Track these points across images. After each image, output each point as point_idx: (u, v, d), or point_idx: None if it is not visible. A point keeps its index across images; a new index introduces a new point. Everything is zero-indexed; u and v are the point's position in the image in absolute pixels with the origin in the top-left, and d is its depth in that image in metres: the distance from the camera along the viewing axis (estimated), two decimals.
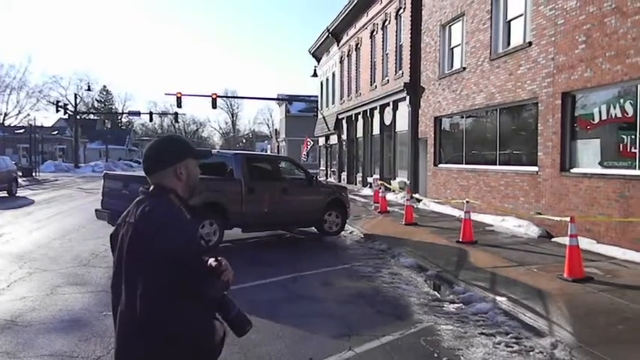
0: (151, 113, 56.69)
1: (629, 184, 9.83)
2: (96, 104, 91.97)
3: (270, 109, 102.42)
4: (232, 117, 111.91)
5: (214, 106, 38.94)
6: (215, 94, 38.84)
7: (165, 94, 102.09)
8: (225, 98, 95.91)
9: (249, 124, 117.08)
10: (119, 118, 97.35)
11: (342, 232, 13.24)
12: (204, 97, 41.46)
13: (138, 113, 61.22)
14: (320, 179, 16.72)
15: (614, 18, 10.23)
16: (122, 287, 2.08)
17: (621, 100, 10.36)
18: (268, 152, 79.01)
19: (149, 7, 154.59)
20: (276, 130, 79.98)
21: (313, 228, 13.00)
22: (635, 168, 9.95)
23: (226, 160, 11.75)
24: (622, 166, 10.33)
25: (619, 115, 10.44)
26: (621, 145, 10.38)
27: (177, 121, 64.33)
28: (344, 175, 33.38)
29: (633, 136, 10.01)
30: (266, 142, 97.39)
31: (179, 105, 38.75)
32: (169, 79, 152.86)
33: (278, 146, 70.62)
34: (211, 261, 2.22)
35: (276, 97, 57.84)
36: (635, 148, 9.96)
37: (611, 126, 10.68)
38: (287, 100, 53.81)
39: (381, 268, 9.21)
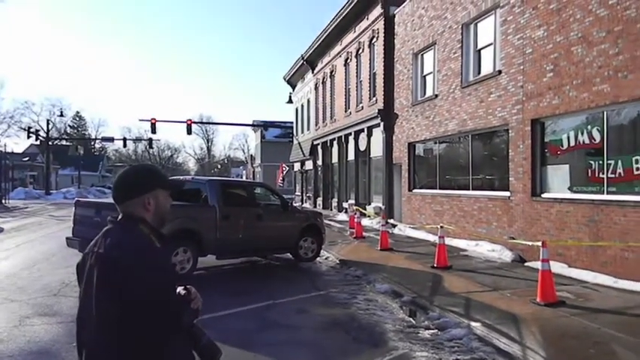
0: (124, 139, 56.20)
1: (598, 208, 10.04)
2: (68, 130, 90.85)
3: (246, 134, 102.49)
4: (207, 142, 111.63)
5: (189, 132, 38.79)
6: (190, 120, 38.71)
7: (140, 119, 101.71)
8: (200, 124, 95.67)
9: (224, 149, 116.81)
10: (92, 143, 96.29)
11: (318, 258, 13.19)
12: (179, 123, 41.24)
13: (111, 139, 60.63)
14: (295, 205, 16.70)
15: (580, 47, 10.56)
16: (90, 319, 2.03)
17: (589, 127, 10.63)
18: (244, 178, 78.78)
19: (123, 32, 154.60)
20: (251, 155, 79.85)
21: (288, 254, 12.92)
22: (603, 193, 10.18)
23: (201, 187, 11.69)
24: (591, 191, 10.55)
25: (587, 141, 10.70)
26: (590, 171, 10.62)
27: (151, 146, 63.73)
28: (319, 200, 33.40)
29: (601, 162, 10.26)
30: (241, 167, 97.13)
31: (153, 131, 38.52)
32: (144, 105, 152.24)
33: (253, 172, 70.43)
34: (180, 289, 2.20)
35: (251, 123, 57.91)
36: (603, 173, 10.20)
37: (580, 152, 10.94)
38: (262, 126, 53.88)
39: (357, 295, 9.18)
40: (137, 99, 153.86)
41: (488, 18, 14.37)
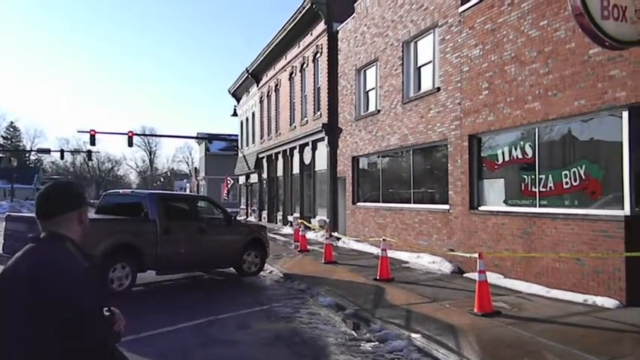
0: (62, 151, 54.36)
1: (531, 221, 10.47)
2: (1, 141, 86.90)
3: (190, 147, 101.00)
4: (150, 155, 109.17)
5: (130, 144, 37.93)
6: (131, 132, 37.88)
7: (78, 131, 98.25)
8: (142, 136, 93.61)
9: (167, 162, 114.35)
10: (27, 155, 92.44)
11: (262, 272, 13.13)
12: (120, 135, 40.22)
13: (48, 151, 58.58)
14: (240, 218, 16.59)
15: (513, 66, 11.05)
16: (6, 343, 1.94)
17: (522, 143, 11.11)
18: (188, 191, 77.47)
19: (63, 40, 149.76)
20: (195, 168, 78.70)
21: (232, 268, 12.80)
22: (535, 206, 10.63)
23: (141, 200, 11.45)
24: (524, 204, 11.01)
25: (520, 156, 11.17)
26: (523, 185, 11.08)
27: (90, 159, 61.79)
28: (264, 213, 33.26)
29: (533, 176, 10.73)
30: (185, 180, 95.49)
31: (92, 143, 37.43)
32: (83, 116, 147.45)
33: (198, 185, 69.42)
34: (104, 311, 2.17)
35: (195, 135, 57.18)
36: (535, 187, 10.66)
37: (514, 166, 11.40)
38: (207, 138, 53.35)
39: (300, 309, 9.19)
40: (77, 110, 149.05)
41: (427, 36, 14.85)
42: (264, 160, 32.72)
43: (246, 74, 34.91)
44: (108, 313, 2.17)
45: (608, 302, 8.48)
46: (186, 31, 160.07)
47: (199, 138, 55.70)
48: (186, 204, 12.73)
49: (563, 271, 9.61)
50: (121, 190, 13.61)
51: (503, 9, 11.32)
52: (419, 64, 15.45)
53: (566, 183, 9.95)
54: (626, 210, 8.64)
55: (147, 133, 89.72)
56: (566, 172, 9.96)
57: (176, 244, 11.08)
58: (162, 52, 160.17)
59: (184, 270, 12.08)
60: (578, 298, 8.96)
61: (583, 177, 9.62)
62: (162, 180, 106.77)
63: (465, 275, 11.92)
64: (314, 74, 23.77)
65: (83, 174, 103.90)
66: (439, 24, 13.88)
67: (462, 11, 12.77)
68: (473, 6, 12.36)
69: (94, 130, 36.47)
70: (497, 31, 11.51)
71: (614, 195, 8.99)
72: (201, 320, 8.30)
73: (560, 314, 8.17)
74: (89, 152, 53.53)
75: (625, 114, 8.68)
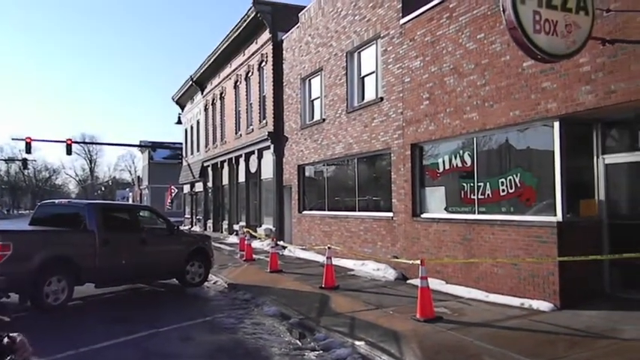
0: None
1: (471, 227, 10.78)
2: None
3: (133, 155, 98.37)
4: (91, 163, 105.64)
5: (69, 152, 36.74)
6: (70, 139, 36.67)
7: (13, 138, 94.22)
8: (82, 144, 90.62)
9: (109, 170, 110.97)
10: None
11: (206, 283, 12.93)
12: (58, 143, 38.84)
13: None
14: (184, 228, 16.31)
15: (452, 78, 11.38)
16: None
17: (461, 152, 11.44)
18: (130, 200, 75.52)
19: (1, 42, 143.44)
20: (138, 177, 76.85)
21: (175, 279, 12.55)
22: (474, 213, 10.96)
23: (79, 211, 11.10)
24: (464, 211, 11.33)
25: (460, 165, 11.50)
26: (463, 192, 11.40)
27: (26, 167, 59.29)
28: (210, 223, 32.81)
29: (472, 184, 11.06)
30: (128, 189, 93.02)
31: (28, 151, 36.00)
32: (19, 123, 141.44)
33: (141, 194, 67.78)
34: (4, 339, 2.03)
35: (138, 143, 55.88)
36: (474, 195, 10.99)
37: (454, 175, 11.72)
38: (150, 146, 52.24)
39: (244, 319, 9.10)
40: (12, 116, 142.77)
41: (370, 47, 15.10)
42: (210, 169, 32.33)
43: (191, 82, 34.47)
44: (8, 341, 2.01)
45: (544, 305, 8.81)
46: (130, 36, 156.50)
47: (142, 146, 54.51)
48: (127, 214, 12.41)
49: (501, 275, 9.93)
50: (57, 200, 13.11)
51: (442, 22, 11.66)
52: (362, 74, 15.68)
53: (503, 190, 10.31)
54: (559, 216, 9.03)
55: (87, 140, 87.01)
56: (503, 179, 10.33)
57: (116, 255, 10.78)
58: (107, 57, 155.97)
59: (125, 282, 11.74)
60: (515, 301, 9.28)
61: (518, 184, 10.00)
62: (103, 189, 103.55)
63: (408, 281, 12.11)
64: (259, 83, 23.72)
65: (18, 183, 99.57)
66: (381, 35, 14.15)
67: (403, 23, 13.07)
68: (413, 18, 12.68)
69: (29, 138, 35.09)
70: (437, 43, 11.84)
71: (548, 202, 9.38)
72: (142, 333, 8.09)
73: (499, 318, 8.42)
74: (24, 160, 51.31)
75: (556, 124, 9.09)
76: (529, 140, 9.98)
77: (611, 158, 9.17)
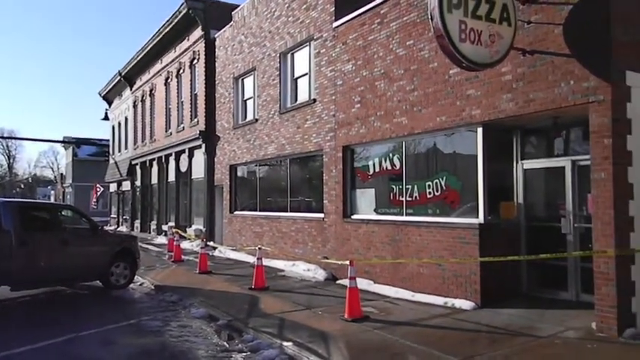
0: None
1: (399, 228, 11.04)
2: None
3: (56, 151, 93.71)
4: (9, 159, 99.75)
5: None
6: None
7: None
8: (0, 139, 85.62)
9: (29, 167, 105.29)
10: None
11: (132, 285, 12.54)
12: None
13: None
14: (110, 228, 15.75)
15: (383, 82, 11.62)
16: None
17: (391, 155, 11.70)
18: (52, 199, 72.17)
19: None
20: (62, 174, 73.44)
21: (98, 281, 12.11)
22: (402, 214, 11.24)
23: None
24: (393, 212, 11.59)
25: (390, 167, 11.76)
26: (392, 194, 11.66)
27: None
28: (137, 223, 31.85)
29: (401, 187, 11.34)
30: (50, 187, 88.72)
31: None
32: None
33: (64, 192, 64.87)
34: None
35: (62, 139, 53.48)
36: (403, 197, 11.27)
37: (384, 177, 11.97)
38: (74, 143, 50.14)
39: (171, 322, 8.89)
40: None
41: (303, 49, 15.18)
42: (138, 167, 31.41)
43: (119, 77, 33.37)
44: None
45: (466, 304, 9.16)
46: (56, 24, 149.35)
47: (66, 142, 52.23)
48: (47, 213, 11.87)
49: (426, 275, 10.23)
50: None
51: (373, 27, 11.89)
52: (296, 76, 15.73)
53: (430, 193, 10.64)
54: (481, 218, 9.41)
55: (5, 135, 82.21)
56: (430, 182, 10.65)
57: (34, 256, 10.28)
58: (30, 46, 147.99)
59: (44, 285, 11.23)
60: (439, 301, 9.59)
61: (444, 188, 10.34)
62: (22, 187, 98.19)
63: (338, 282, 12.25)
64: (191, 80, 23.30)
65: None
66: (314, 37, 14.25)
67: (336, 27, 13.22)
68: (346, 22, 12.85)
69: None
70: (369, 47, 12.05)
71: (471, 204, 9.76)
72: (62, 338, 7.76)
73: (423, 317, 8.66)
74: None
75: (480, 130, 9.48)
76: (455, 145, 10.35)
77: (529, 163, 9.66)
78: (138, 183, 31.80)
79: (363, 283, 10.78)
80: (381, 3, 11.64)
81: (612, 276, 7.17)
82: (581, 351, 6.70)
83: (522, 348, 6.85)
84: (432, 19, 7.50)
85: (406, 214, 11.16)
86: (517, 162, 9.79)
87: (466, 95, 9.53)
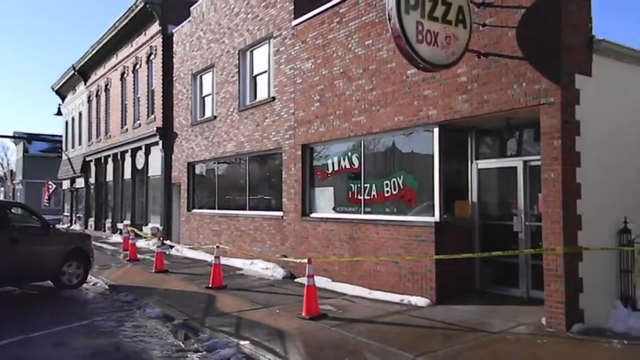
0: None
1: (357, 227, 11.13)
2: None
3: (6, 147, 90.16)
4: None
5: None
6: None
7: None
8: None
9: None
10: None
11: (85, 285, 12.26)
12: None
13: None
14: (63, 226, 15.32)
15: (342, 81, 11.68)
16: None
17: (350, 153, 11.78)
18: (1, 196, 69.67)
19: None
20: (11, 171, 70.85)
21: (50, 281, 11.77)
22: (361, 213, 11.33)
23: None
24: (351, 211, 11.67)
25: (348, 166, 11.83)
26: (350, 193, 11.74)
27: None
28: (91, 221, 31.09)
29: (359, 185, 11.43)
30: None
31: None
32: None
33: (14, 189, 62.68)
34: None
35: (12, 134, 51.61)
36: (361, 195, 11.37)
37: (343, 176, 12.04)
38: (25, 138, 48.36)
39: (125, 322, 8.73)
40: None
41: (263, 46, 15.11)
42: (93, 164, 30.63)
43: (73, 71, 32.45)
44: None
45: (421, 301, 9.31)
46: (4, 17, 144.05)
47: (17, 137, 50.39)
48: None
49: (383, 273, 10.35)
50: None
51: (332, 26, 11.94)
52: (255, 73, 15.64)
53: (387, 192, 10.76)
54: (436, 216, 9.58)
55: None
56: (387, 181, 10.77)
57: None
58: None
59: None
60: (396, 298, 9.71)
61: (401, 186, 10.48)
62: None
63: (296, 280, 12.26)
64: (148, 76, 22.86)
65: None
66: (274, 35, 14.21)
67: (295, 25, 13.21)
68: (305, 21, 12.86)
69: None
70: (328, 46, 12.09)
71: (427, 203, 9.92)
72: (10, 340, 7.53)
73: (380, 314, 8.77)
74: None
75: (436, 130, 9.64)
76: (412, 145, 10.50)
77: (483, 163, 9.89)
78: (92, 180, 31.03)
79: (321, 281, 10.83)
80: (340, 2, 11.69)
81: (561, 273, 7.41)
82: (531, 346, 6.90)
83: (475, 344, 7.01)
84: (389, 20, 7.58)
85: (364, 213, 11.26)
86: (472, 162, 10.01)
87: (423, 96, 9.68)
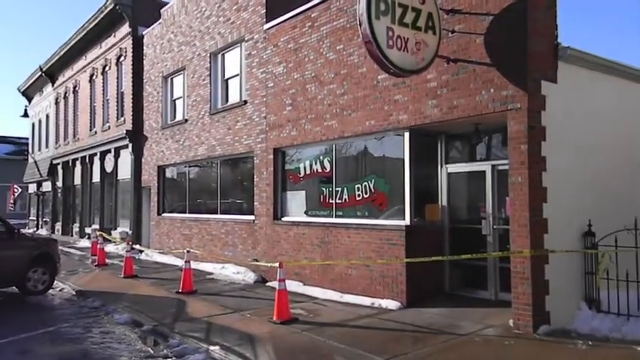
0: None
1: (328, 230, 11.15)
2: None
3: None
4: None
5: None
6: None
7: None
8: None
9: None
10: None
11: (51, 291, 12.01)
12: None
13: None
14: (28, 231, 14.98)
15: (314, 85, 11.71)
16: None
17: (322, 157, 11.80)
18: None
19: None
20: None
21: (15, 287, 11.49)
22: (332, 216, 11.36)
23: None
24: (323, 214, 11.69)
25: (320, 170, 11.86)
26: (322, 197, 11.76)
27: None
28: (59, 225, 30.44)
29: (331, 189, 11.46)
30: None
31: None
32: None
33: None
34: None
35: None
36: (333, 199, 11.40)
37: (315, 179, 12.05)
38: None
39: (92, 328, 8.57)
40: None
41: (234, 50, 15.04)
42: (60, 167, 30.03)
43: (40, 72, 31.79)
44: None
45: (392, 304, 9.37)
46: None
47: None
48: None
49: (354, 276, 10.39)
50: None
51: (304, 30, 11.96)
52: (226, 76, 15.57)
53: (359, 195, 10.81)
54: (407, 220, 9.67)
55: None
56: (359, 185, 10.83)
57: None
58: None
59: None
60: (366, 301, 9.76)
61: (372, 190, 10.54)
62: None
63: (267, 284, 12.21)
64: (117, 78, 22.55)
65: None
66: (245, 39, 14.17)
67: (267, 29, 13.21)
68: (277, 25, 12.86)
69: None
70: (300, 50, 12.11)
71: (398, 207, 10.00)
72: None
73: (351, 317, 8.80)
74: None
75: (406, 135, 9.74)
76: (383, 149, 10.58)
77: (453, 167, 10.02)
78: (59, 184, 30.40)
79: (292, 285, 10.82)
80: (312, 7, 11.73)
81: (528, 275, 7.55)
82: (498, 348, 7.01)
83: (444, 346, 7.09)
84: (360, 25, 7.64)
85: (336, 217, 11.29)
86: (442, 166, 10.13)
87: (394, 100, 9.77)
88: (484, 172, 9.46)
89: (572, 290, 8.11)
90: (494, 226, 9.31)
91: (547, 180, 7.81)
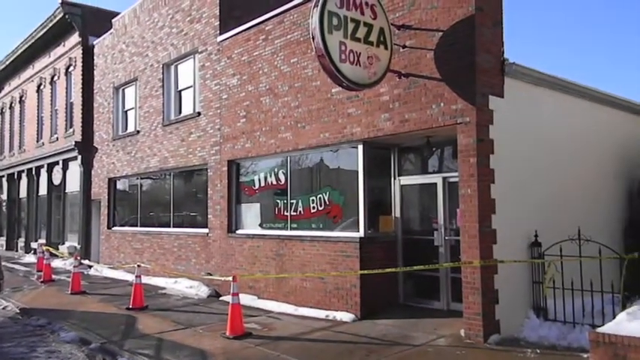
0: None
1: (283, 243, 11.10)
2: None
3: None
4: None
5: None
6: None
7: None
8: None
9: None
10: None
11: None
12: None
13: None
14: None
15: (268, 98, 11.69)
16: None
17: (276, 169, 11.77)
18: None
19: None
20: None
21: None
22: (287, 229, 11.32)
23: None
24: (277, 227, 11.64)
25: (275, 182, 11.81)
26: (277, 209, 11.71)
27: None
28: (3, 240, 29.24)
29: (285, 201, 11.43)
30: None
31: None
32: None
33: None
34: None
35: None
36: (287, 211, 11.37)
37: (269, 192, 12.00)
38: None
39: (37, 347, 8.24)
40: None
41: (188, 61, 14.89)
42: (5, 180, 28.95)
43: None
44: None
45: (346, 316, 9.38)
46: None
47: None
48: None
49: (309, 289, 10.36)
50: None
51: (258, 43, 11.96)
52: (180, 88, 15.37)
53: (314, 208, 10.82)
54: (361, 232, 9.73)
55: None
56: (314, 197, 10.84)
57: None
58: None
59: None
60: (321, 314, 9.74)
61: (327, 202, 10.57)
62: None
63: (221, 298, 12.03)
64: (66, 88, 21.96)
65: None
66: (199, 50, 14.05)
67: (221, 41, 13.14)
68: (231, 37, 12.82)
69: None
70: (254, 63, 12.10)
71: (353, 219, 10.05)
72: None
73: (305, 331, 8.76)
74: None
75: (360, 147, 9.83)
76: (338, 161, 10.64)
77: (406, 180, 10.16)
78: (4, 197, 29.28)
79: (246, 299, 10.70)
80: (266, 20, 11.75)
81: (478, 285, 7.70)
82: (450, 358, 7.11)
83: (397, 357, 7.14)
84: (313, 39, 7.70)
85: (291, 229, 11.26)
86: (395, 178, 10.26)
87: (347, 113, 9.85)
88: (435, 184, 9.63)
89: (521, 299, 8.32)
90: (446, 237, 9.47)
91: (495, 192, 8.01)
